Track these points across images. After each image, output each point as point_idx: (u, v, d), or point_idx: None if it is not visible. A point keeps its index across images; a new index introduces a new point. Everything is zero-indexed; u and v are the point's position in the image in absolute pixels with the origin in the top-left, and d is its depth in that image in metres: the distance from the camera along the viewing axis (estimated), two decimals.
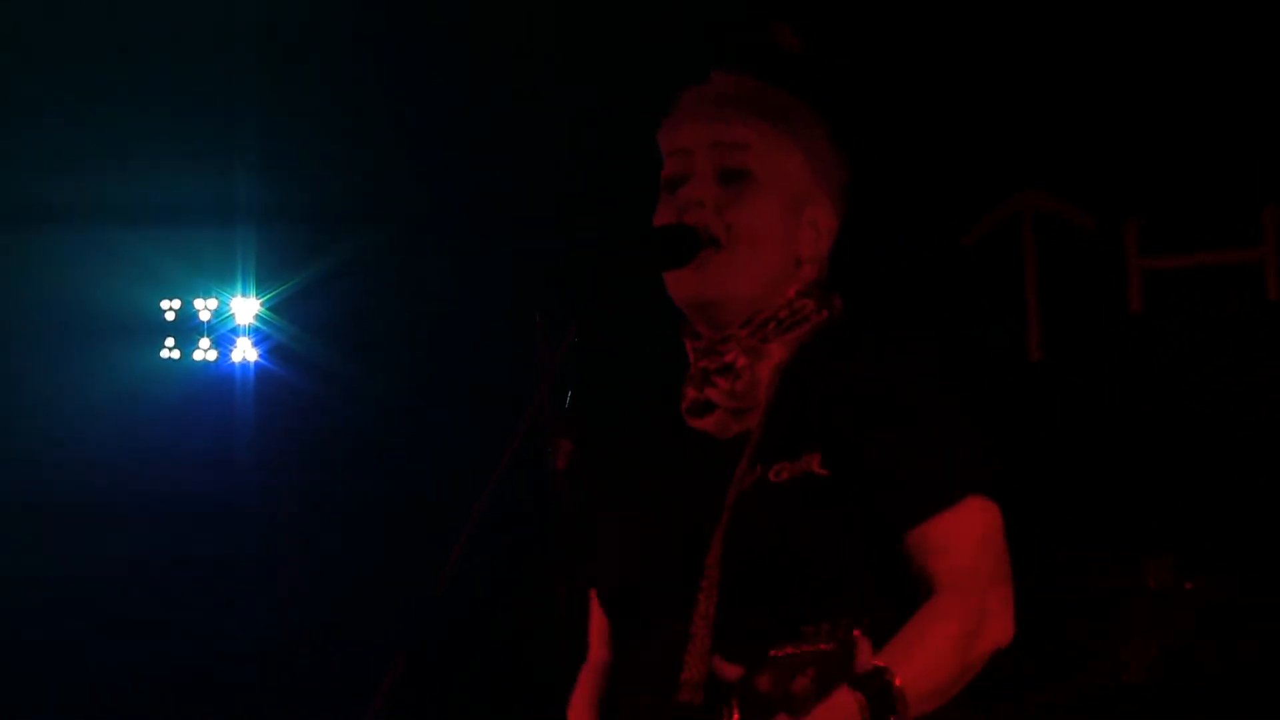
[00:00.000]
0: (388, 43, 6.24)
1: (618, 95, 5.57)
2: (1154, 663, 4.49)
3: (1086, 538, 5.39)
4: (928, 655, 2.71)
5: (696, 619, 2.84)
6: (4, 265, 6.47)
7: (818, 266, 3.07)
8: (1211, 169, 5.49)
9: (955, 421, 2.89)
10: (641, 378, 3.17)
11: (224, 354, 6.61)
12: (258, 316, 6.61)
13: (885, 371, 2.93)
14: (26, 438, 6.43)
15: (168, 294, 6.60)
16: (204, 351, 6.59)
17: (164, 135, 6.36)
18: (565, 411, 2.72)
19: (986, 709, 2.90)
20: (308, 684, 6.29)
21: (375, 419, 6.45)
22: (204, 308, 6.59)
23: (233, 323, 6.61)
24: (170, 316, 6.60)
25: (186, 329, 6.60)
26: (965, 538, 2.83)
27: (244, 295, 6.60)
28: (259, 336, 6.62)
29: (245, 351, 6.62)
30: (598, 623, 3.14)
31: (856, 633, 2.39)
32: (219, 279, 6.59)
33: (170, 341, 6.59)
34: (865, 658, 2.41)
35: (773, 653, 2.41)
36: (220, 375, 6.64)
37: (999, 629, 2.81)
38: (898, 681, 2.52)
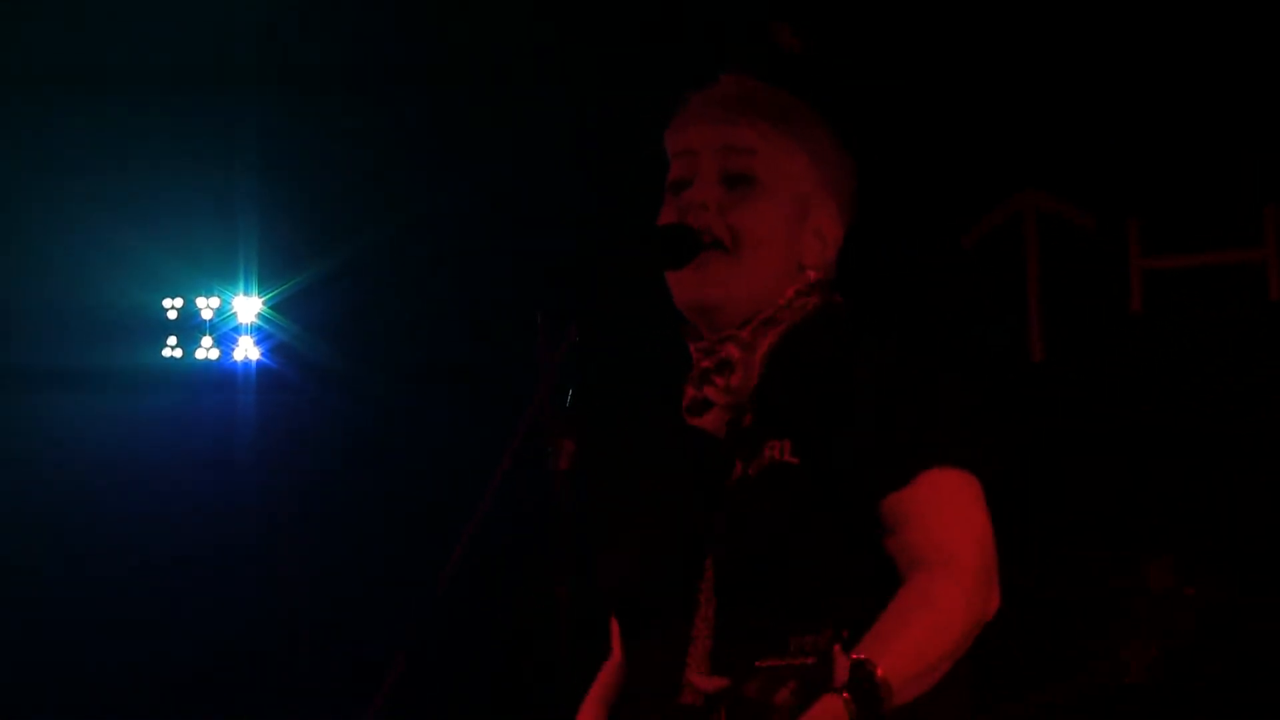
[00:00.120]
0: (388, 42, 6.24)
1: (619, 95, 5.57)
2: (1154, 663, 4.49)
3: (1086, 538, 5.40)
4: (910, 637, 2.65)
5: (697, 620, 2.84)
6: (5, 263, 6.47)
7: (821, 273, 3.06)
8: (1212, 169, 5.49)
9: (918, 396, 2.84)
10: (642, 378, 3.17)
11: (226, 353, 6.61)
12: (260, 315, 6.61)
13: (856, 354, 2.90)
14: (28, 437, 6.43)
15: (170, 293, 6.60)
16: (206, 350, 6.59)
17: (165, 134, 6.36)
18: (566, 411, 2.72)
19: (987, 709, 2.90)
20: (308, 684, 6.30)
21: (376, 418, 6.45)
22: (206, 306, 6.59)
23: (235, 321, 6.61)
24: (172, 315, 6.60)
25: (189, 328, 6.60)
26: (936, 511, 2.76)
27: (246, 294, 6.60)
28: (261, 335, 6.62)
29: (247, 350, 6.62)
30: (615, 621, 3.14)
31: (836, 647, 2.38)
32: (221, 278, 6.59)
33: (173, 340, 6.59)
34: (843, 672, 2.40)
35: (759, 664, 2.40)
36: (222, 374, 6.64)
37: (981, 602, 2.74)
38: (880, 673, 2.52)
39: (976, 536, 2.79)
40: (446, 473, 5.74)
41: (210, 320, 6.60)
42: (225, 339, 6.61)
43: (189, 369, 6.61)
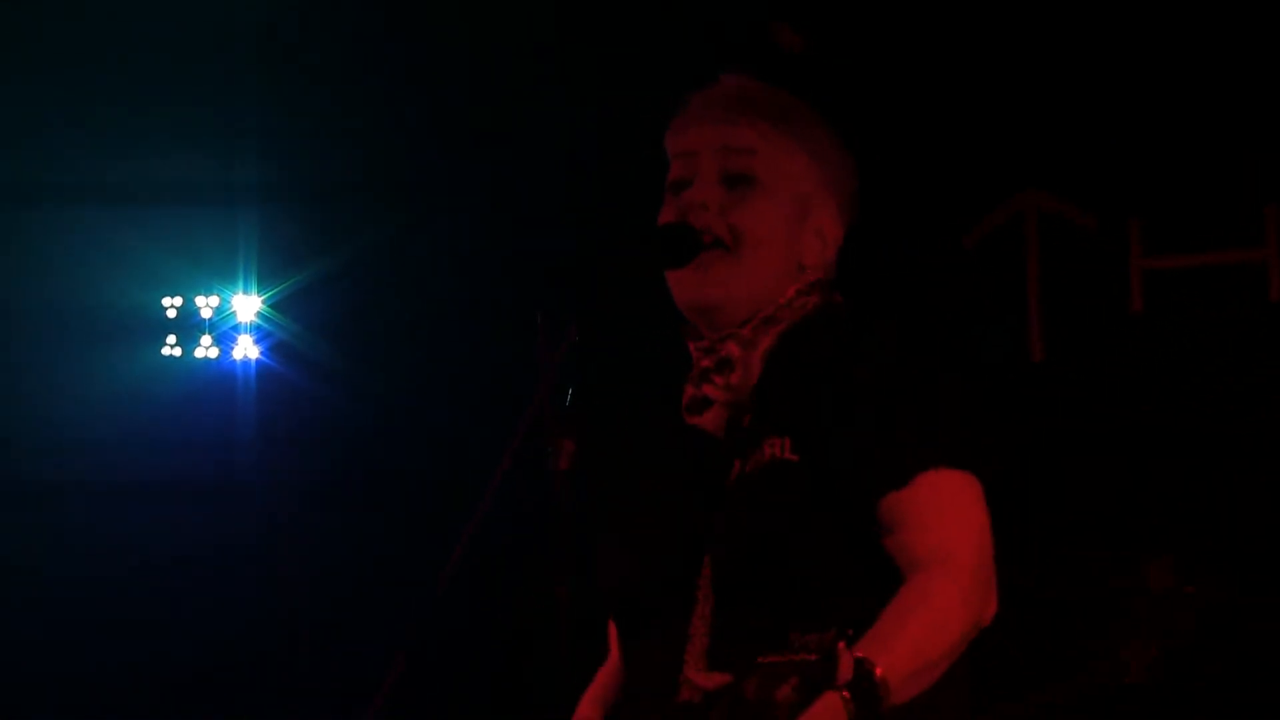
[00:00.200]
0: (388, 42, 6.23)
1: (619, 95, 5.57)
2: (1154, 663, 4.49)
3: (1086, 538, 5.40)
4: (908, 637, 2.64)
5: (695, 619, 2.84)
6: (5, 263, 6.47)
7: (821, 272, 3.06)
8: (1213, 169, 5.49)
9: (919, 396, 2.84)
10: (641, 377, 3.18)
11: (225, 351, 6.61)
12: (259, 314, 6.60)
13: (856, 353, 2.90)
14: (28, 435, 6.43)
15: (169, 291, 6.59)
16: (205, 349, 6.59)
17: (166, 133, 6.36)
18: (566, 411, 2.71)
19: (986, 709, 2.90)
20: (308, 684, 6.30)
21: (376, 417, 6.45)
22: (205, 305, 6.59)
23: (234, 320, 6.61)
24: (172, 314, 6.60)
25: (188, 326, 6.60)
26: (935, 512, 2.75)
27: (245, 293, 6.60)
28: (260, 334, 6.62)
29: (247, 349, 6.62)
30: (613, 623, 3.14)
31: (840, 644, 2.38)
32: (220, 276, 6.59)
33: (172, 339, 6.59)
34: (846, 670, 2.40)
35: (760, 660, 2.40)
36: (222, 372, 6.64)
37: (979, 603, 2.73)
38: (879, 672, 2.51)
39: (975, 538, 2.77)
40: (446, 472, 5.74)
41: (210, 319, 6.60)
42: (225, 337, 6.61)
43: (188, 367, 6.61)
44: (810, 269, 3.02)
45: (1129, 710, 4.68)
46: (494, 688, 6.00)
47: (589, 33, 5.89)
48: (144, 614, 6.34)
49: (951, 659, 2.73)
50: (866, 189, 3.10)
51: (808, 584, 2.80)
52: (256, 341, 6.62)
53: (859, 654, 2.50)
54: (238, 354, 6.61)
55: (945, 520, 2.76)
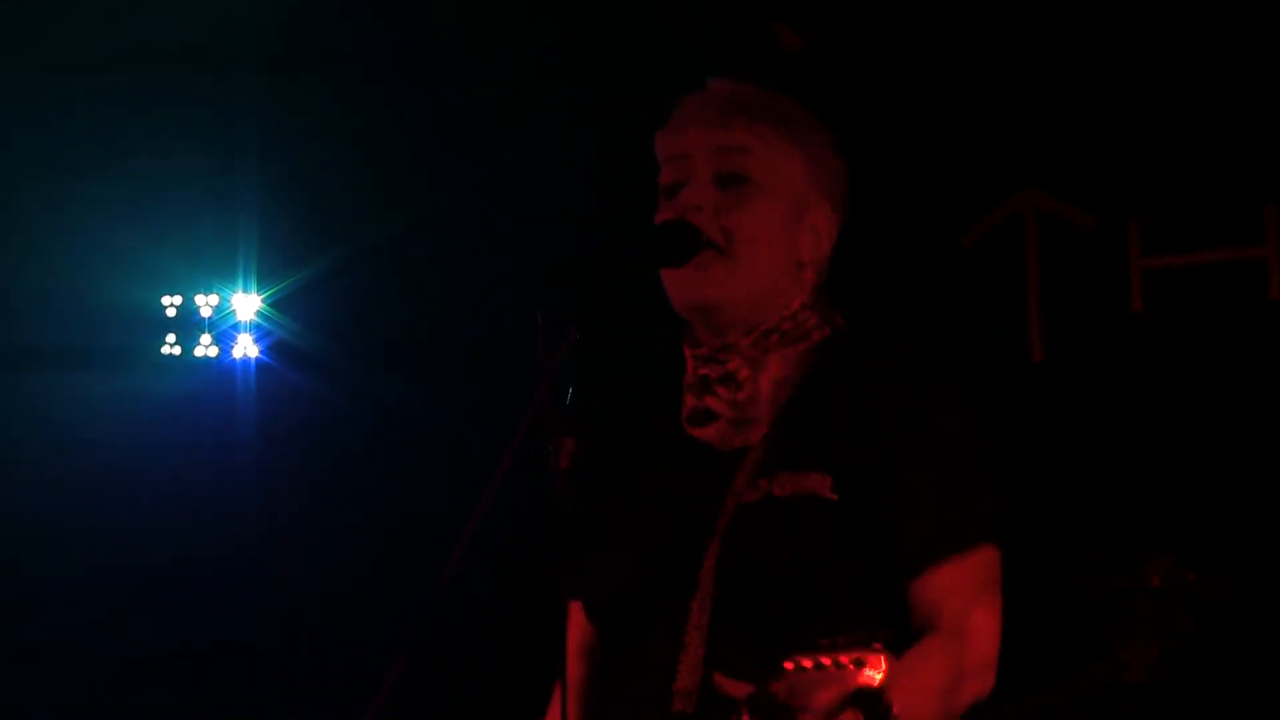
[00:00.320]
0: (388, 42, 6.23)
1: (618, 95, 5.57)
2: (1154, 663, 4.48)
3: (1086, 538, 5.39)
4: (915, 693, 2.66)
5: (690, 629, 2.84)
6: (5, 261, 6.46)
7: (818, 270, 3.07)
8: (1213, 168, 5.48)
9: (976, 464, 2.92)
10: (641, 380, 3.17)
11: (225, 350, 6.60)
12: (259, 312, 6.60)
13: (903, 404, 2.94)
14: (27, 433, 6.43)
15: (169, 290, 6.58)
16: (205, 347, 6.58)
17: (165, 132, 6.35)
18: (566, 410, 2.71)
19: (986, 709, 2.91)
20: (308, 684, 6.29)
21: (376, 416, 6.45)
22: (205, 304, 6.58)
23: (234, 319, 6.60)
24: (171, 312, 6.59)
25: (188, 325, 6.59)
26: (971, 584, 2.86)
27: (245, 291, 6.59)
28: (260, 332, 6.61)
29: (246, 348, 6.61)
30: (577, 636, 3.12)
31: (877, 646, 2.39)
32: (220, 275, 6.58)
33: (171, 337, 6.58)
34: (884, 673, 2.40)
35: (788, 664, 2.40)
36: (221, 371, 6.63)
37: (984, 679, 2.85)
38: (896, 709, 2.51)
39: (995, 620, 2.90)
40: (447, 471, 5.74)
41: (209, 317, 6.59)
42: (224, 336, 6.60)
43: (188, 366, 6.60)
44: (808, 265, 3.03)
45: (1129, 710, 4.68)
46: (494, 688, 6.00)
47: (588, 33, 5.89)
48: (144, 613, 6.33)
49: None
50: (866, 189, 3.11)
51: (816, 607, 2.82)
52: (256, 340, 6.61)
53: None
54: (237, 353, 6.60)
55: (974, 596, 2.87)
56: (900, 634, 2.85)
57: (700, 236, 2.95)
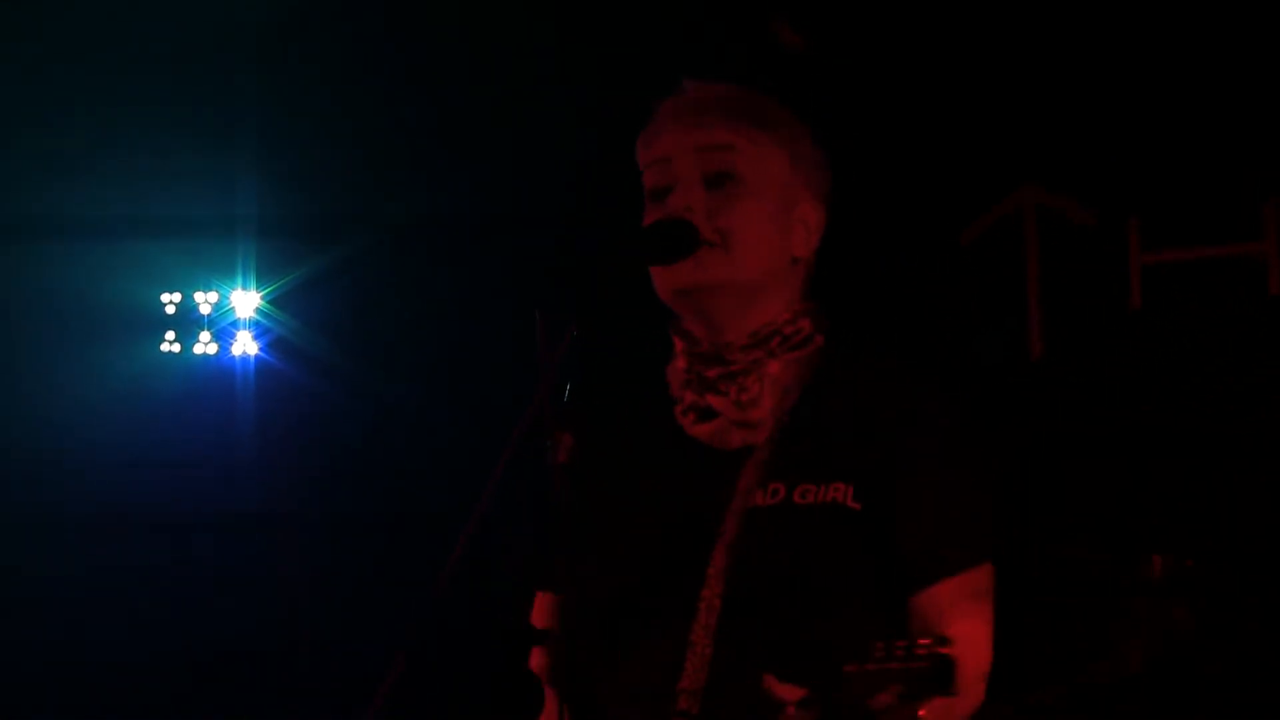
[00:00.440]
0: (388, 41, 6.22)
1: (618, 95, 5.56)
2: (1152, 656, 4.50)
3: (1086, 537, 5.40)
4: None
5: (696, 629, 2.84)
6: (5, 259, 6.46)
7: (809, 264, 3.08)
8: (1211, 164, 5.49)
9: (975, 476, 2.93)
10: (640, 377, 3.16)
11: (224, 347, 6.61)
12: (258, 310, 6.60)
13: (903, 419, 2.95)
14: (27, 431, 6.42)
15: (168, 287, 6.59)
16: (204, 345, 6.59)
17: (164, 130, 6.35)
18: (565, 406, 2.71)
19: (985, 709, 2.91)
20: (308, 683, 6.29)
21: (375, 413, 6.45)
22: (204, 301, 6.58)
23: (233, 316, 6.60)
24: (170, 310, 6.59)
25: (187, 322, 6.59)
26: (967, 598, 2.87)
27: (244, 289, 6.59)
28: (259, 330, 6.61)
29: (245, 345, 6.61)
30: (541, 626, 3.13)
31: (949, 650, 2.39)
32: (219, 272, 6.58)
33: (171, 335, 6.59)
34: (958, 675, 2.41)
35: (847, 669, 2.41)
36: (221, 369, 6.63)
37: (977, 693, 2.84)
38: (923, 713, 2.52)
39: (987, 634, 2.90)
40: (446, 468, 5.73)
41: (208, 315, 6.59)
42: (223, 334, 6.60)
43: (187, 364, 6.60)
44: (801, 260, 3.04)
45: (1129, 710, 4.69)
46: (494, 688, 5.99)
47: (588, 33, 5.88)
48: (143, 612, 6.33)
49: None
50: (865, 187, 3.11)
51: (822, 611, 2.83)
52: (255, 338, 6.61)
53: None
54: (236, 350, 6.61)
55: (969, 610, 2.87)
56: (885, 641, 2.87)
57: (697, 234, 2.94)
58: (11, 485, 6.34)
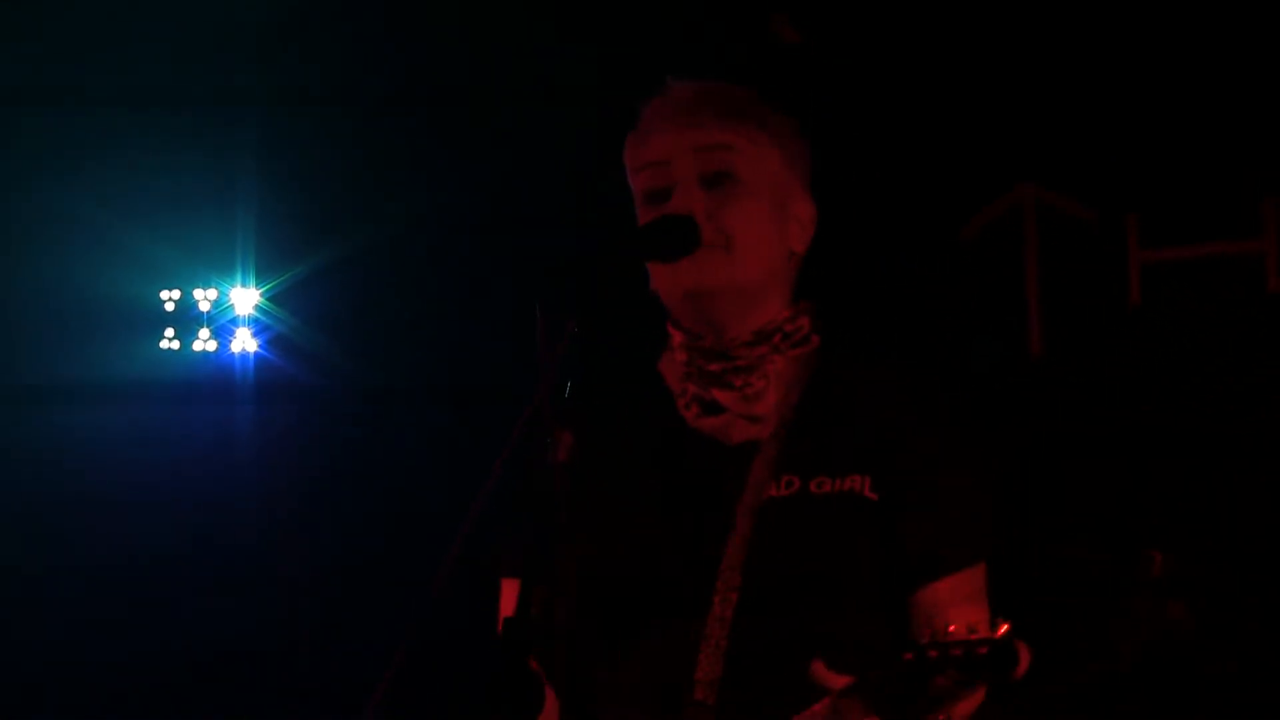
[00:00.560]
0: (388, 41, 6.22)
1: (618, 94, 5.55)
2: (1152, 655, 4.50)
3: (1086, 537, 5.40)
4: None
5: (711, 621, 2.84)
6: (3, 256, 6.46)
7: (801, 259, 3.09)
8: (1210, 162, 5.49)
9: (980, 479, 2.97)
10: (640, 376, 3.17)
11: (224, 344, 6.61)
12: (257, 307, 6.60)
13: (914, 413, 2.98)
14: (26, 427, 6.42)
15: (167, 284, 6.59)
16: (204, 342, 6.59)
17: (163, 127, 6.35)
18: (564, 403, 2.71)
19: (985, 709, 2.92)
20: (307, 680, 6.29)
21: (374, 410, 6.45)
22: (204, 298, 6.59)
23: (232, 313, 6.60)
24: (170, 307, 6.59)
25: (186, 319, 6.59)
26: (969, 599, 2.90)
27: (243, 286, 6.59)
28: (259, 327, 6.61)
29: (245, 342, 6.61)
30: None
31: (1007, 633, 2.40)
32: (219, 269, 6.58)
33: (170, 332, 6.59)
34: (1024, 659, 2.42)
35: (906, 655, 2.44)
36: (220, 366, 6.63)
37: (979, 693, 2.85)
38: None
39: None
40: (445, 465, 5.73)
41: (208, 312, 6.59)
42: (223, 331, 6.60)
43: (186, 361, 6.60)
44: (798, 255, 3.05)
45: (1129, 709, 4.69)
46: (493, 687, 5.99)
47: (589, 32, 5.88)
48: (142, 610, 6.33)
49: None
50: (866, 186, 3.11)
51: (833, 603, 2.84)
52: (255, 335, 6.61)
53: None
54: (236, 347, 6.61)
55: (970, 611, 2.88)
56: (894, 631, 2.89)
57: (699, 230, 2.94)
58: (10, 481, 6.33)
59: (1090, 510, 5.44)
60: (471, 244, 6.23)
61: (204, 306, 6.59)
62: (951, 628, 2.44)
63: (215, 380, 6.62)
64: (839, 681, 2.59)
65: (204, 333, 6.58)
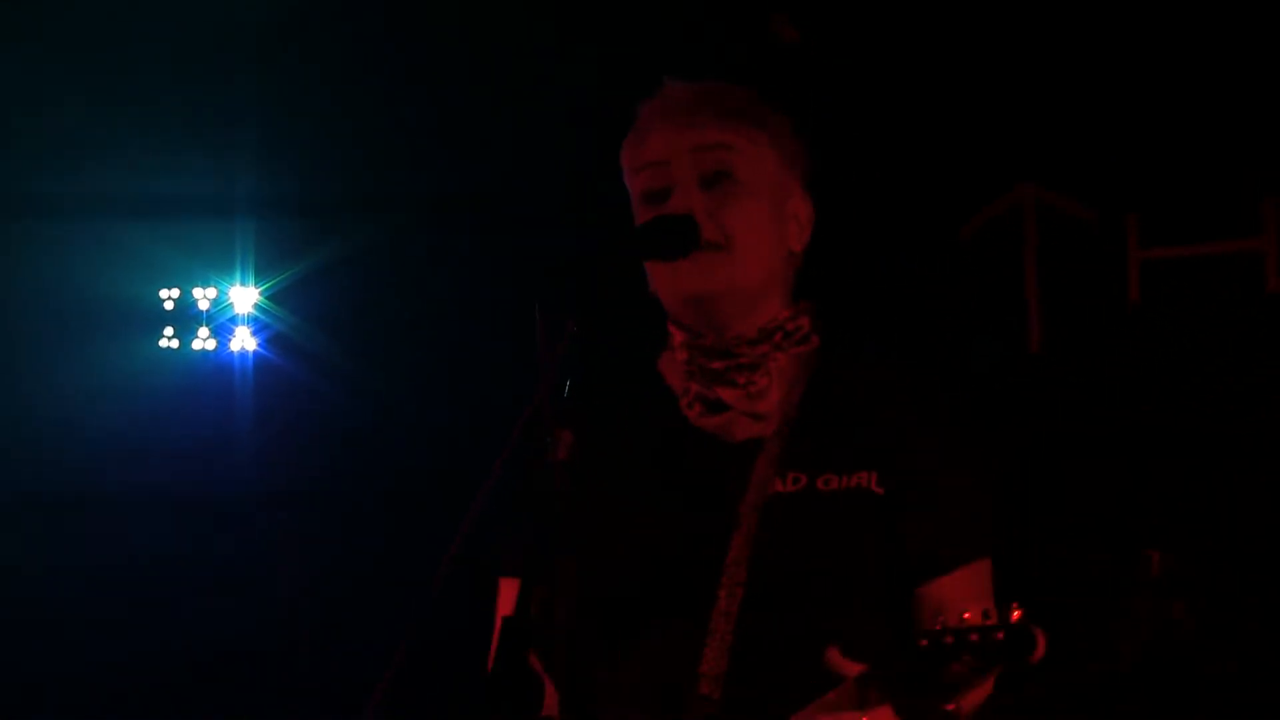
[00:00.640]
0: (388, 41, 6.22)
1: (618, 94, 5.56)
2: (1152, 655, 4.50)
3: (1086, 536, 5.41)
4: None
5: (716, 616, 2.85)
6: (3, 256, 6.46)
7: (799, 258, 3.10)
8: (1210, 161, 5.49)
9: (980, 478, 2.97)
10: (640, 375, 3.17)
11: (223, 343, 6.61)
12: (256, 306, 6.60)
13: (914, 412, 2.99)
14: (26, 427, 6.42)
15: (167, 283, 6.59)
16: (203, 341, 6.59)
17: (164, 126, 6.35)
18: (564, 402, 2.71)
19: (993, 701, 2.93)
20: (307, 680, 6.29)
21: (374, 408, 6.45)
22: (203, 297, 6.59)
23: (231, 312, 6.60)
24: (169, 306, 6.59)
25: (185, 318, 6.59)
26: (974, 593, 2.89)
27: (243, 284, 6.59)
28: (258, 326, 6.61)
29: (244, 341, 6.61)
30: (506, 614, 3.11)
31: (1023, 618, 2.41)
32: (218, 268, 6.58)
33: (169, 331, 6.59)
34: (1040, 645, 2.43)
35: (922, 643, 2.45)
36: (219, 364, 6.63)
37: (986, 686, 2.84)
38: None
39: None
40: (445, 467, 5.73)
41: (207, 311, 6.59)
42: (222, 329, 6.60)
43: (186, 359, 6.60)
44: (797, 254, 3.05)
45: (1129, 709, 4.69)
46: (492, 687, 5.99)
47: (589, 31, 5.88)
48: (142, 611, 6.33)
49: None
50: (865, 184, 3.12)
51: (850, 594, 2.85)
52: (254, 334, 6.61)
53: None
54: (235, 346, 6.61)
55: (975, 601, 2.85)
56: (897, 627, 2.89)
57: (699, 230, 2.95)
58: (10, 482, 6.33)
59: (1090, 510, 5.44)
60: (471, 244, 6.23)
61: (203, 305, 6.59)
62: (966, 614, 2.44)
63: (215, 379, 6.62)
64: (854, 669, 2.60)
65: (203, 331, 6.58)
